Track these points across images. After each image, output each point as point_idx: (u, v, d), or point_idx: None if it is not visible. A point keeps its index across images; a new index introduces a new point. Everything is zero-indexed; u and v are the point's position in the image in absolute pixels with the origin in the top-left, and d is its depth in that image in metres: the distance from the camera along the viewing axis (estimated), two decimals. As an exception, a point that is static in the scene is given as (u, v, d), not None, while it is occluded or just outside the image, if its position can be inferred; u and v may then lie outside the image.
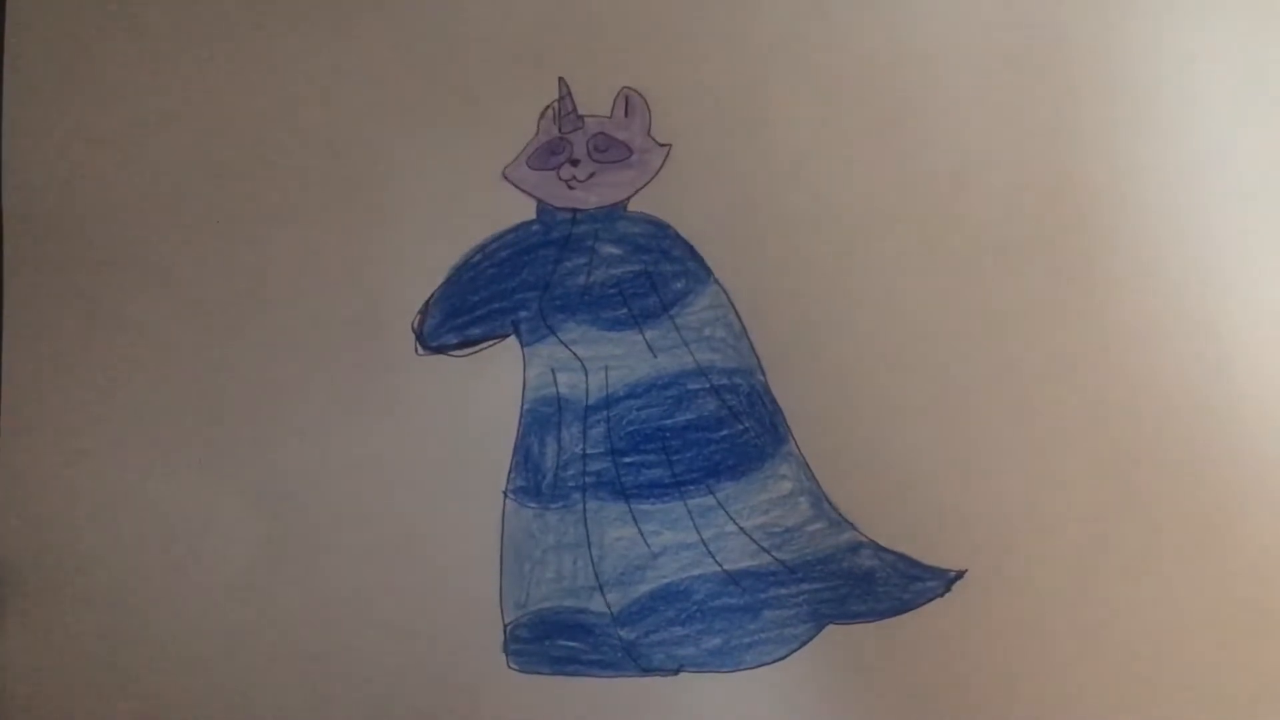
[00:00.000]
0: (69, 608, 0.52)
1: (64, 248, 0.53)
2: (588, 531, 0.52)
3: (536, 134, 0.53)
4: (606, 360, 0.52)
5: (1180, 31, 0.53)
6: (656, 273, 0.52)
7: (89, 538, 0.52)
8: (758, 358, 0.52)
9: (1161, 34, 0.53)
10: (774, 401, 0.52)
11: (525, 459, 0.52)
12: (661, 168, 0.53)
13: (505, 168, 0.53)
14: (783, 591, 0.51)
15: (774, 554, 0.52)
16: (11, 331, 0.53)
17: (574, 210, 0.53)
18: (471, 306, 0.52)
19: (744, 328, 0.52)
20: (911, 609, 0.51)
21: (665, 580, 0.52)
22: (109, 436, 0.53)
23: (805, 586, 0.51)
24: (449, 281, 0.52)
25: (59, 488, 0.53)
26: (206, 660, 0.52)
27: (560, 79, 0.53)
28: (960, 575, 0.51)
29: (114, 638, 0.52)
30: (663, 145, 0.53)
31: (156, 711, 0.52)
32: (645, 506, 0.52)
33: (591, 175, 0.52)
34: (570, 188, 0.53)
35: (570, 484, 0.52)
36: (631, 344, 0.52)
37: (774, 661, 0.51)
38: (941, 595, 0.51)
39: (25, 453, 0.53)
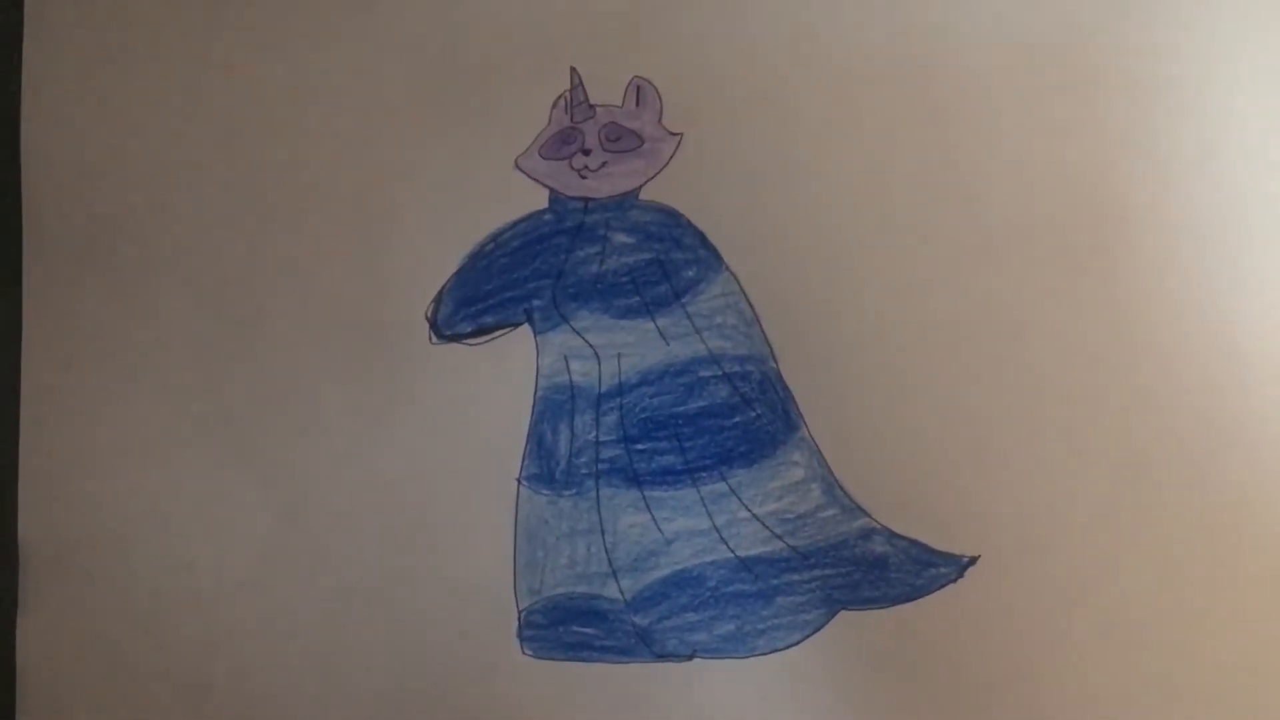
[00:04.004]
0: (90, 592, 0.53)
1: (83, 239, 0.54)
2: (601, 518, 0.52)
3: (549, 124, 0.53)
4: (619, 348, 0.52)
5: (1208, 24, 0.52)
6: (668, 261, 0.53)
7: (109, 524, 0.53)
8: (769, 344, 0.52)
9: (1188, 27, 0.52)
10: (786, 388, 0.52)
11: (538, 446, 0.52)
12: (673, 157, 0.53)
13: (518, 157, 0.53)
14: (795, 578, 0.52)
15: (787, 540, 0.52)
16: (33, 320, 0.54)
17: (586, 199, 0.53)
18: (484, 295, 0.53)
19: (755, 315, 0.52)
20: (924, 595, 0.51)
21: (678, 566, 0.52)
22: (128, 425, 0.53)
23: (818, 573, 0.52)
24: (462, 270, 0.53)
25: (80, 475, 0.53)
26: (222, 646, 0.52)
27: (572, 69, 0.53)
28: (973, 561, 0.51)
29: (133, 623, 0.53)
30: (674, 134, 0.53)
31: (174, 694, 0.52)
32: (658, 493, 0.52)
33: (603, 164, 0.53)
34: (582, 177, 0.53)
35: (583, 471, 0.52)
36: (644, 332, 0.52)
37: (787, 648, 0.51)
38: (954, 581, 0.51)
39: (46, 440, 0.53)
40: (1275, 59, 0.52)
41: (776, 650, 0.51)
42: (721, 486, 0.52)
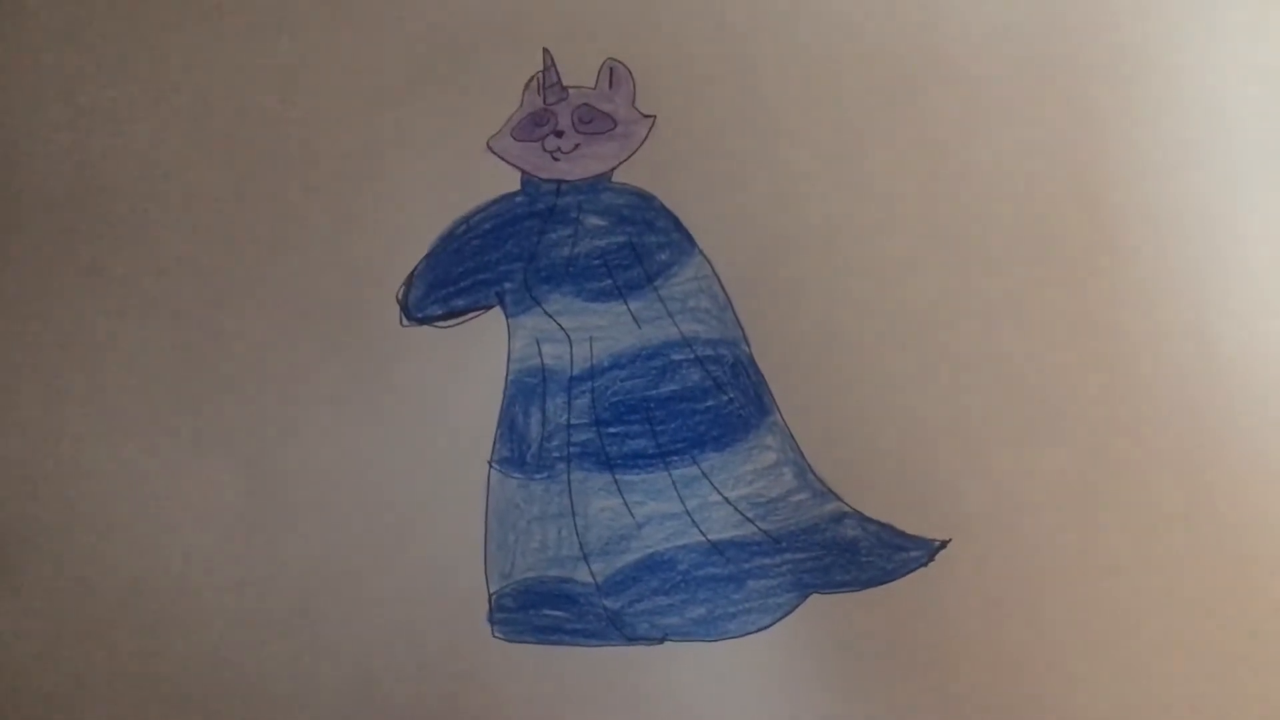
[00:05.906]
0: (59, 574, 0.52)
1: (49, 222, 0.53)
2: (572, 502, 0.52)
3: (521, 105, 0.53)
4: (591, 331, 0.52)
5: (1192, 16, 0.52)
6: (641, 244, 0.52)
7: (74, 508, 0.53)
8: (742, 328, 0.52)
9: (1171, 17, 0.52)
10: (758, 372, 0.52)
11: (510, 430, 0.52)
12: (646, 139, 0.53)
13: (490, 139, 0.53)
14: (767, 561, 0.52)
15: (758, 524, 0.52)
16: (1, 301, 0.53)
17: (558, 181, 0.53)
18: (456, 278, 0.52)
19: (728, 298, 0.52)
20: (895, 579, 0.51)
21: (650, 550, 0.52)
22: (98, 405, 0.53)
23: (789, 556, 0.52)
24: (433, 253, 0.52)
25: (44, 458, 0.53)
26: (191, 632, 0.52)
27: (545, 50, 0.53)
28: (943, 545, 0.51)
29: (103, 604, 0.52)
30: (647, 116, 0.53)
31: (143, 676, 0.52)
32: (630, 477, 0.52)
33: (576, 146, 0.52)
34: (555, 159, 0.53)
35: (555, 454, 0.52)
36: (616, 315, 0.52)
37: (758, 631, 0.52)
38: (925, 565, 0.51)
39: (9, 424, 0.53)
40: (1259, 52, 0.52)
41: (747, 634, 0.52)
42: (693, 470, 0.52)
